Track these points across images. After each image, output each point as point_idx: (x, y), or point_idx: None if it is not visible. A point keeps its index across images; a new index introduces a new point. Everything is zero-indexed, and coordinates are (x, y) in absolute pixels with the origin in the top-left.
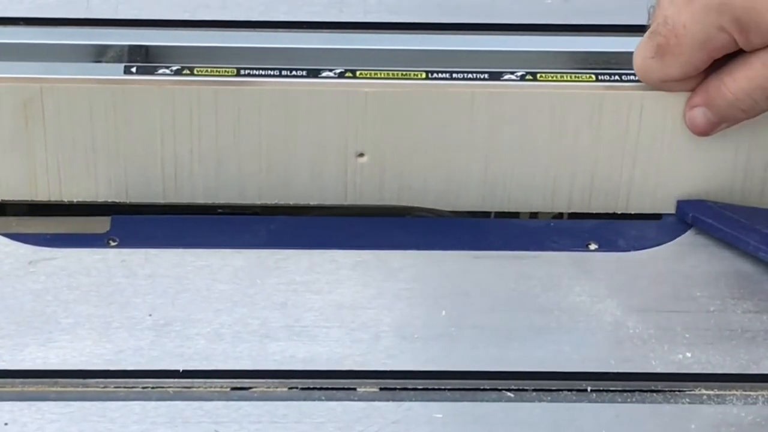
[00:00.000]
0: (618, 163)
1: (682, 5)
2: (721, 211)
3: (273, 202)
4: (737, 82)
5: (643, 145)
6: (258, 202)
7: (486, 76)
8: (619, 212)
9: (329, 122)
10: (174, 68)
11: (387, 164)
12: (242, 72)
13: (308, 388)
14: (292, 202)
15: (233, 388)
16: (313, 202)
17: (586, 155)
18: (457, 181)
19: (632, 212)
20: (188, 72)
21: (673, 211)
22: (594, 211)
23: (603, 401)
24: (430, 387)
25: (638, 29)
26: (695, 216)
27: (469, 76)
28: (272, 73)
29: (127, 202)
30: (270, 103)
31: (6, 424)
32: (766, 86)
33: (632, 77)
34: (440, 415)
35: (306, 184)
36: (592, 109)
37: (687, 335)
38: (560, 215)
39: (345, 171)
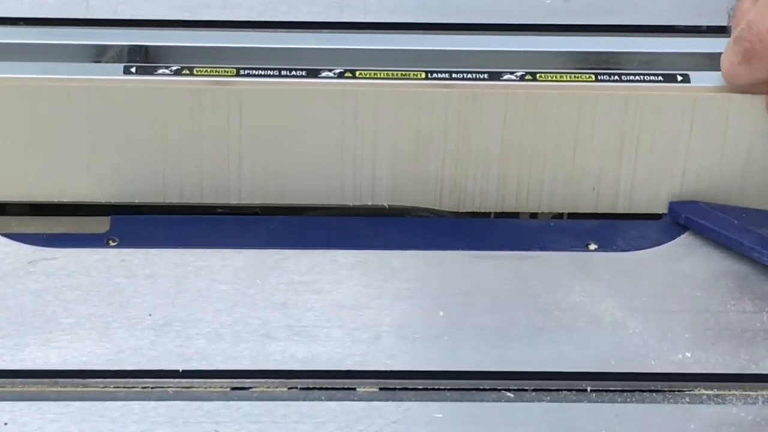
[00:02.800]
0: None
1: (765, 9)
2: (714, 212)
3: (273, 203)
4: None
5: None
6: (257, 202)
7: (486, 76)
8: (619, 212)
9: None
10: (174, 68)
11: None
12: (242, 72)
13: (308, 388)
14: (292, 203)
15: (233, 388)
16: (312, 203)
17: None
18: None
19: (632, 212)
20: (188, 72)
21: None
22: (594, 211)
23: (603, 401)
24: (429, 387)
25: (638, 29)
26: (688, 217)
27: (469, 76)
28: (272, 73)
29: (127, 202)
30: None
31: (6, 424)
32: None
33: (632, 77)
34: (440, 415)
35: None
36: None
37: (687, 335)
38: (560, 215)
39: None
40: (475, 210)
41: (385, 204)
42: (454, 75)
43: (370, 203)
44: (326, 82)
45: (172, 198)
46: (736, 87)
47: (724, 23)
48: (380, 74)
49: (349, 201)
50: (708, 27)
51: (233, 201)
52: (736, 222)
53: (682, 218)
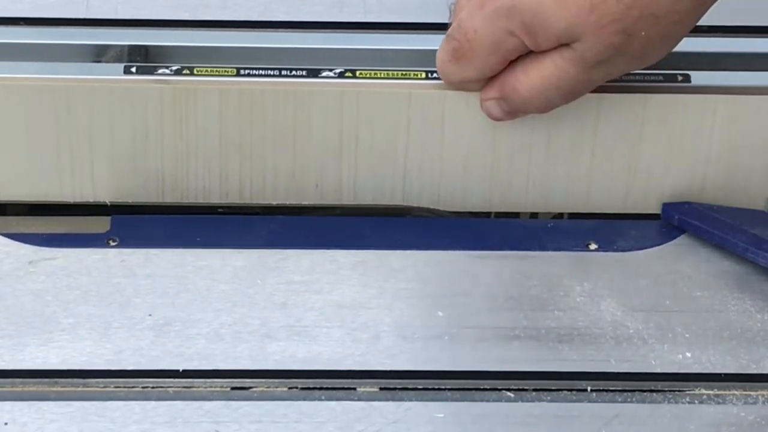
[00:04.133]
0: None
1: (474, 10)
2: (708, 213)
3: (274, 202)
4: (531, 79)
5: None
6: (258, 202)
7: None
8: (619, 212)
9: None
10: (174, 68)
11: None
12: (242, 72)
13: (308, 388)
14: (292, 202)
15: (233, 388)
16: (312, 202)
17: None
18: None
19: (632, 212)
20: (188, 72)
21: None
22: (594, 211)
23: (603, 401)
24: (430, 387)
25: None
26: (681, 218)
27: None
28: (272, 73)
29: (128, 202)
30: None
31: (6, 423)
32: (558, 84)
33: (632, 77)
34: (441, 415)
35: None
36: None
37: (687, 335)
38: (560, 215)
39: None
40: (476, 210)
41: (386, 204)
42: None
43: (369, 203)
44: (327, 82)
45: (172, 198)
46: (449, 84)
47: (724, 23)
48: (380, 74)
49: (348, 201)
50: (709, 27)
51: (234, 201)
52: (729, 222)
53: (676, 219)
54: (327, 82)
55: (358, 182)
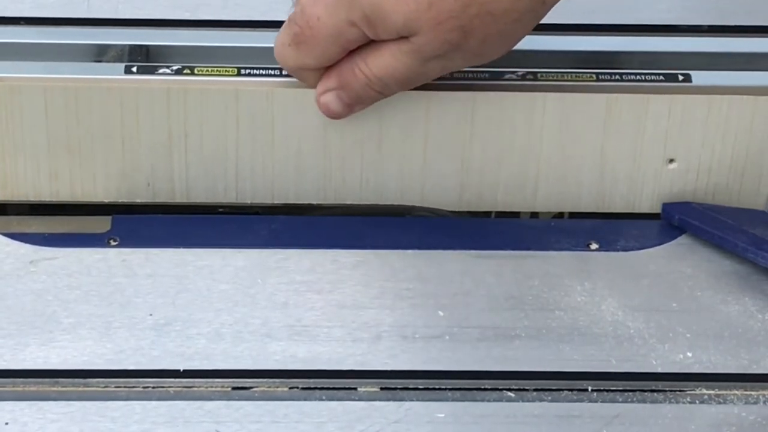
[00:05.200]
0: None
1: None
2: (707, 213)
3: (273, 202)
4: (370, 68)
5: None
6: (259, 201)
7: (487, 75)
8: (620, 212)
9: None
10: (174, 68)
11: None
12: (243, 72)
13: (309, 388)
14: (292, 202)
15: (234, 388)
16: (312, 202)
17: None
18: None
19: (634, 212)
20: (189, 72)
21: None
22: (595, 211)
23: (604, 401)
24: (430, 387)
25: (640, 29)
26: (681, 218)
27: (470, 75)
28: (273, 72)
29: (128, 201)
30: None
31: (7, 423)
32: (394, 74)
33: (633, 77)
34: (441, 415)
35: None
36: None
37: (688, 335)
38: (561, 215)
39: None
40: (476, 210)
41: (385, 204)
42: (455, 74)
43: (369, 203)
44: (153, 79)
45: (174, 198)
46: (286, 69)
47: (723, 23)
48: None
49: (349, 201)
50: (709, 27)
51: (234, 201)
52: (729, 222)
53: (676, 219)
54: (154, 79)
55: (190, 181)
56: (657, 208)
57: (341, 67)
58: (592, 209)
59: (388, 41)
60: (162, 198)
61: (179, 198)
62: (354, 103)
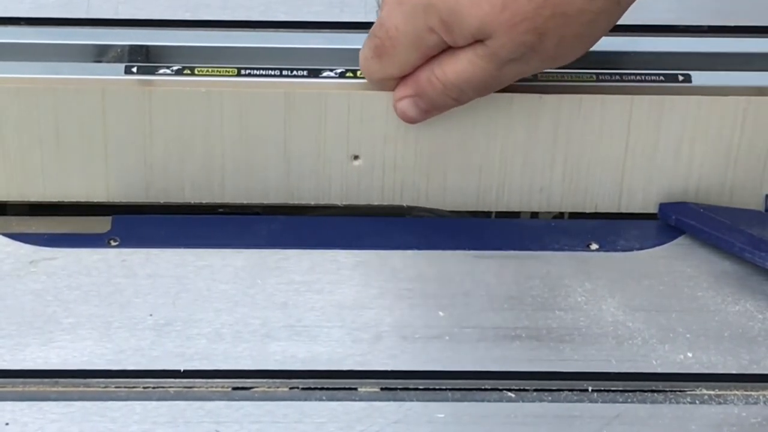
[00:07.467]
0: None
1: (393, 7)
2: (705, 213)
3: (273, 202)
4: (447, 75)
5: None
6: (259, 201)
7: None
8: (620, 212)
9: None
10: (174, 68)
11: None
12: (243, 72)
13: (309, 388)
14: (292, 202)
15: (234, 388)
16: (312, 202)
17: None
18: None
19: (633, 212)
20: (189, 72)
21: None
22: (595, 211)
23: (604, 401)
24: (431, 387)
25: (640, 29)
26: (678, 219)
27: None
28: (272, 73)
29: (128, 202)
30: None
31: (7, 424)
32: (471, 80)
33: (633, 77)
34: (441, 415)
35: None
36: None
37: (688, 335)
38: (561, 215)
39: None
40: (476, 210)
41: (384, 204)
42: None
43: (368, 203)
44: (327, 83)
45: (174, 198)
46: (371, 82)
47: (723, 23)
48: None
49: (348, 201)
50: (709, 27)
51: (235, 200)
52: (726, 222)
53: (673, 220)
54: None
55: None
56: (653, 208)
57: (418, 74)
58: (591, 210)
59: (465, 47)
60: (173, 199)
61: (217, 199)
62: (430, 109)
